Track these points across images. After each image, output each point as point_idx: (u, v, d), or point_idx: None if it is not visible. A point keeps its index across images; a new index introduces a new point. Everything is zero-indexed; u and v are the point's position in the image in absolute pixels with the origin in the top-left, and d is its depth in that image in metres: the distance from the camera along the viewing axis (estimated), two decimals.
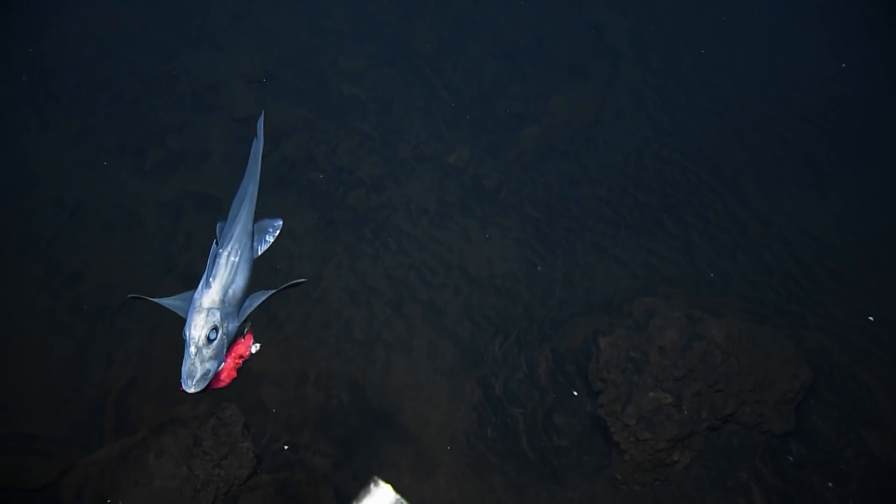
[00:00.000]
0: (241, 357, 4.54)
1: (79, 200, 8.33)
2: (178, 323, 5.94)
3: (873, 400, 7.18)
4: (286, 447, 6.72)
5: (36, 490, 6.28)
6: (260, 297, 4.76)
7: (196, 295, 4.30)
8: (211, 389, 4.30)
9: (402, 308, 7.79)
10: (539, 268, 8.19)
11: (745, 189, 9.10)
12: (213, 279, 4.27)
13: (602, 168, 9.22)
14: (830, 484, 6.62)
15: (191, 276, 7.70)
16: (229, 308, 4.37)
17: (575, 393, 7.15)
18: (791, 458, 6.78)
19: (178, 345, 6.20)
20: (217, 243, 4.54)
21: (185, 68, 9.73)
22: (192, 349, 4.11)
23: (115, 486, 5.69)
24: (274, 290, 4.79)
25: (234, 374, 4.48)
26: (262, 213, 8.24)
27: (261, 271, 7.82)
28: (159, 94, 9.44)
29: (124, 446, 6.12)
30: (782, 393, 6.88)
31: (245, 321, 4.70)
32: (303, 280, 5.11)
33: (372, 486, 4.82)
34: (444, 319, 7.73)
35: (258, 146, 5.40)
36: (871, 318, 7.80)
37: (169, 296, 4.89)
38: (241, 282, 4.52)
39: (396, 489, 6.62)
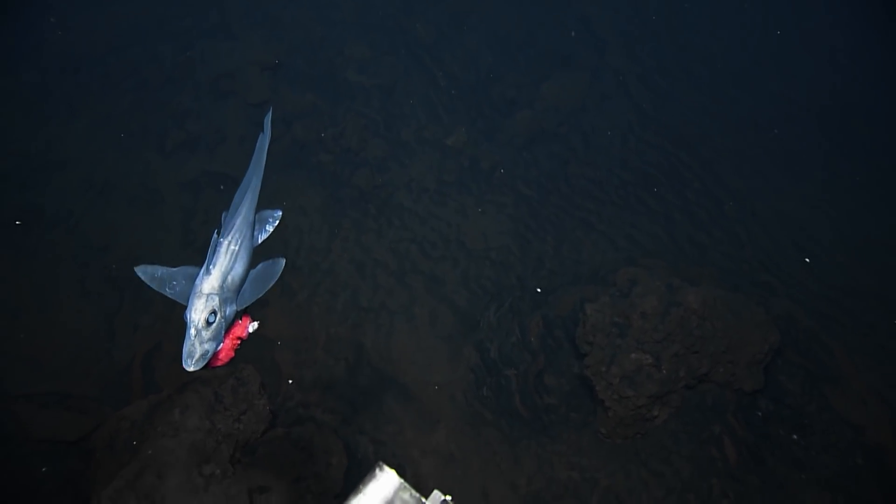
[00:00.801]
0: (238, 338, 4.59)
1: (106, 179, 8.35)
2: None
3: (835, 361, 7.32)
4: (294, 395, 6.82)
5: (72, 442, 6.39)
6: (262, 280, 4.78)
7: (197, 281, 4.34)
8: (210, 367, 4.37)
9: (404, 278, 7.87)
10: (531, 241, 8.27)
11: (722, 170, 9.18)
12: (214, 266, 4.31)
13: (589, 150, 9.28)
14: (795, 436, 6.76)
15: (206, 250, 7.77)
16: (228, 293, 4.40)
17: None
18: (760, 414, 6.91)
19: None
20: (218, 233, 4.60)
21: (203, 57, 9.72)
22: (192, 331, 4.16)
23: (144, 438, 5.79)
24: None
25: (232, 353, 4.53)
26: (274, 190, 8.37)
27: (273, 244, 7.95)
28: (179, 81, 9.44)
29: (151, 402, 6.20)
30: (753, 354, 6.99)
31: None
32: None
33: (377, 471, 4.86)
34: (444, 289, 7.81)
35: (264, 140, 5.41)
36: (806, 259, 7.94)
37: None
38: (239, 269, 4.55)
39: (400, 443, 6.75)
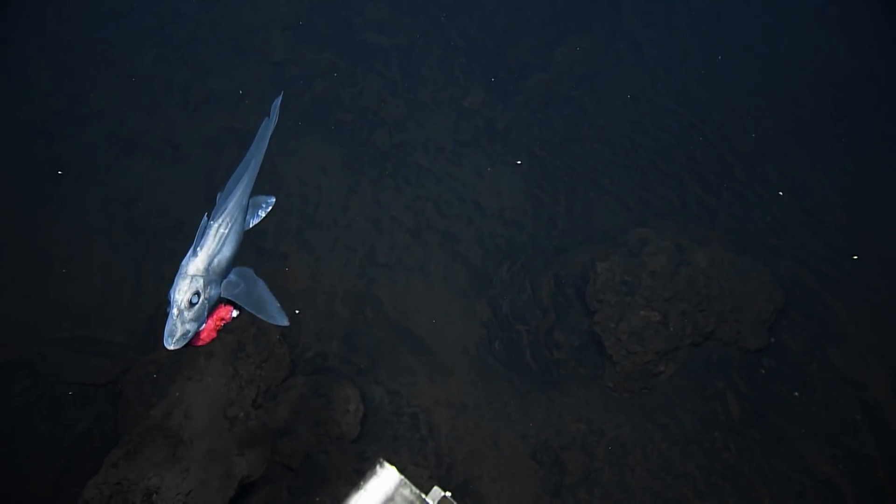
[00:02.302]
0: (221, 320, 4.60)
1: (131, 134, 8.40)
2: None
3: (837, 321, 7.36)
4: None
5: (101, 385, 6.54)
6: (255, 288, 4.74)
7: (183, 262, 4.35)
8: (191, 346, 4.41)
9: (420, 235, 7.92)
10: (543, 202, 8.28)
11: (732, 134, 9.13)
12: (201, 248, 4.30)
13: (602, 113, 9.24)
14: (796, 393, 6.84)
15: None
16: (213, 276, 4.39)
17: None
18: (763, 371, 6.98)
19: None
20: (208, 215, 4.58)
21: (225, 15, 9.67)
22: (175, 311, 4.16)
23: (170, 381, 5.91)
24: (270, 297, 4.77)
25: (214, 334, 4.53)
26: (294, 148, 8.40)
27: (295, 202, 8.00)
28: (202, 38, 9.41)
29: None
30: (758, 314, 7.05)
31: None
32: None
33: (378, 467, 4.94)
34: (458, 246, 7.86)
35: (269, 126, 5.32)
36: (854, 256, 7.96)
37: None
38: (227, 252, 4.52)
39: (414, 393, 6.86)
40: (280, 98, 5.49)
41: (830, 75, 9.94)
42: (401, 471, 6.06)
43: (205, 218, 4.52)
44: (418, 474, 6.18)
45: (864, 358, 7.16)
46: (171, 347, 4.15)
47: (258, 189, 4.70)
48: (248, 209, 4.93)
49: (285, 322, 4.60)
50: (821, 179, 8.69)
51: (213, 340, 4.60)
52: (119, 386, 6.42)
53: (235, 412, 5.86)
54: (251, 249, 7.47)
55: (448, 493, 5.02)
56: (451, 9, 10.27)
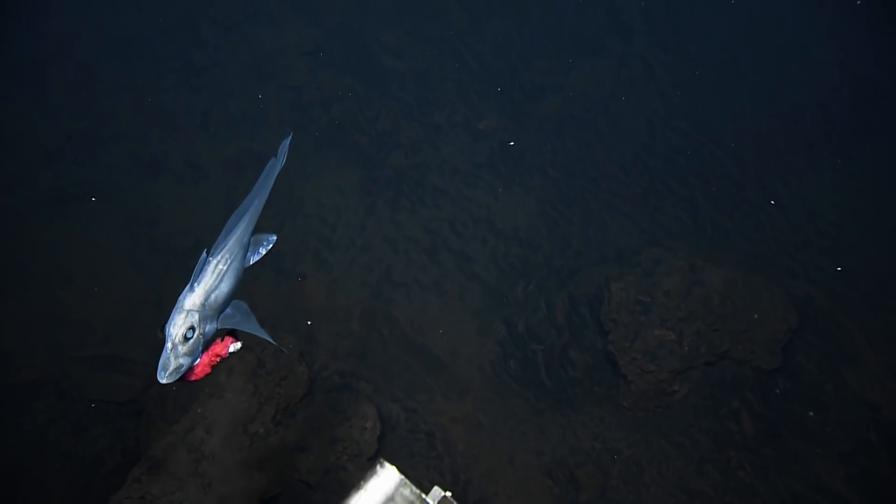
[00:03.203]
0: (217, 355, 4.66)
1: (153, 156, 8.56)
2: (256, 264, 6.27)
3: (852, 341, 7.40)
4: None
5: (123, 402, 6.65)
6: (247, 321, 4.80)
7: (180, 296, 4.42)
8: (184, 381, 4.46)
9: (436, 255, 8.02)
10: (558, 222, 8.39)
11: (744, 156, 9.22)
12: (198, 284, 4.36)
13: (616, 135, 9.36)
14: (811, 413, 6.87)
15: None
16: (209, 311, 4.45)
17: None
18: (778, 391, 7.02)
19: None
20: (208, 251, 4.65)
21: (246, 40, 9.87)
22: (169, 345, 4.23)
23: (192, 398, 6.03)
24: (259, 330, 4.83)
25: (209, 369, 4.58)
26: (312, 170, 8.55)
27: (313, 223, 8.14)
28: (222, 63, 9.59)
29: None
30: (772, 334, 7.10)
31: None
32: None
33: (378, 467, 4.95)
34: (473, 266, 7.96)
35: (275, 166, 5.33)
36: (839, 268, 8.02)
37: None
38: (225, 288, 4.57)
39: (431, 411, 6.94)
40: (289, 139, 5.54)
41: (842, 98, 10.03)
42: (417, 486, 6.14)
43: (204, 254, 4.59)
44: (435, 492, 6.23)
45: (879, 378, 7.19)
46: (164, 381, 4.21)
47: (262, 227, 4.79)
48: (248, 247, 5.02)
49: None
50: (833, 200, 8.76)
51: (206, 376, 4.67)
52: (141, 403, 6.53)
53: (255, 428, 5.96)
54: (270, 269, 7.60)
55: (448, 493, 5.01)
56: (466, 34, 10.44)
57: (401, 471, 4.97)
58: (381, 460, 4.92)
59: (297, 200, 8.26)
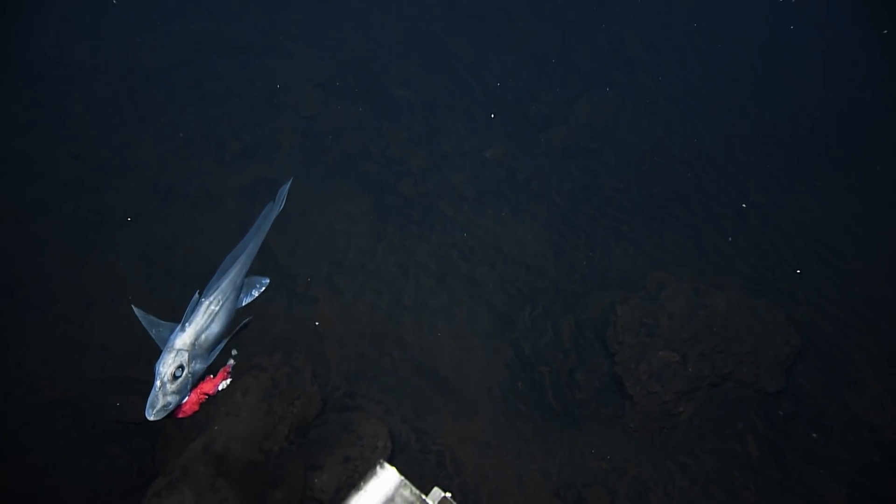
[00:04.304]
0: (205, 393, 4.79)
1: (170, 184, 8.79)
2: (270, 288, 6.49)
3: (854, 365, 7.53)
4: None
5: (140, 423, 6.77)
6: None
7: (172, 335, 4.54)
8: (173, 418, 4.55)
9: (445, 280, 8.20)
10: (564, 248, 8.57)
11: (746, 184, 9.44)
12: (189, 324, 4.50)
13: (620, 163, 9.59)
14: (814, 434, 6.98)
15: (263, 251, 8.14)
16: (199, 350, 4.59)
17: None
18: (781, 413, 7.14)
19: (252, 307, 6.71)
20: (200, 293, 4.77)
21: (259, 72, 10.19)
22: (158, 383, 4.37)
23: (209, 418, 6.17)
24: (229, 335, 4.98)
25: (197, 407, 4.70)
26: (324, 198, 8.76)
27: (325, 248, 8.32)
28: (237, 94, 9.89)
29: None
30: (775, 356, 7.23)
31: (230, 353, 4.87)
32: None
33: (378, 468, 5.03)
34: (482, 290, 8.13)
35: (273, 210, 5.46)
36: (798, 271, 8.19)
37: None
38: (215, 329, 4.69)
39: (440, 431, 7.06)
40: (288, 184, 5.69)
41: (842, 128, 10.27)
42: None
43: (196, 294, 4.74)
44: None
45: (881, 401, 7.31)
46: (152, 418, 4.33)
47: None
48: (242, 288, 5.16)
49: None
50: (835, 228, 8.94)
51: (194, 413, 4.77)
52: (159, 423, 6.66)
53: (270, 446, 6.10)
54: (284, 292, 7.79)
55: (448, 494, 5.06)
56: (474, 66, 10.75)
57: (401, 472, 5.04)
58: (382, 461, 4.99)
59: (309, 226, 8.47)
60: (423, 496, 4.92)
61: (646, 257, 8.48)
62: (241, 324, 5.28)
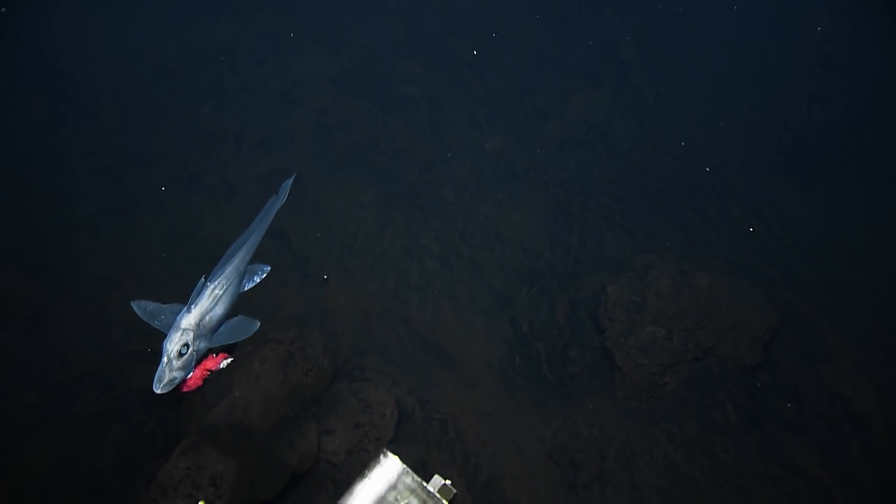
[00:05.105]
0: (208, 370, 4.97)
1: (191, 173, 8.99)
2: (283, 267, 6.67)
3: (828, 342, 7.75)
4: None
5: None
6: (239, 331, 5.01)
7: (178, 316, 4.73)
8: (179, 391, 4.75)
9: (447, 262, 8.40)
10: (559, 234, 8.78)
11: (729, 175, 9.65)
12: (195, 306, 4.68)
13: (612, 156, 9.79)
14: (789, 405, 7.20)
15: (279, 235, 8.37)
16: (203, 330, 4.76)
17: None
18: (759, 385, 7.36)
19: (268, 286, 6.92)
20: (205, 277, 4.93)
21: (275, 69, 10.39)
22: (165, 359, 4.56)
23: (230, 384, 6.39)
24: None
25: (201, 382, 4.89)
26: (336, 187, 8.96)
27: (335, 233, 8.52)
28: (254, 89, 10.10)
29: (234, 356, 6.78)
30: (754, 333, 7.45)
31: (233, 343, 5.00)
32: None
33: (381, 457, 5.12)
34: (482, 272, 8.34)
35: (275, 203, 5.61)
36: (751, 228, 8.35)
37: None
38: (219, 311, 4.86)
39: (443, 401, 7.27)
40: (291, 179, 5.84)
41: (820, 122, 10.47)
42: (431, 469, 6.48)
43: (202, 279, 4.91)
44: (448, 472, 6.56)
45: (852, 375, 7.52)
46: (159, 391, 4.52)
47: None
48: (245, 275, 5.34)
49: (257, 325, 4.95)
50: (812, 216, 9.15)
51: (198, 388, 4.94)
52: (181, 391, 6.88)
53: (286, 412, 6.33)
54: (297, 274, 8.00)
55: (448, 482, 5.14)
56: (475, 65, 10.96)
57: (403, 460, 5.14)
58: (385, 450, 5.09)
59: (321, 212, 8.68)
60: (424, 483, 4.97)
61: (635, 242, 8.69)
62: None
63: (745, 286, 7.90)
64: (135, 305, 5.14)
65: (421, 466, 6.55)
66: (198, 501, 5.51)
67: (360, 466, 6.42)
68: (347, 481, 6.32)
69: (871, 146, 10.17)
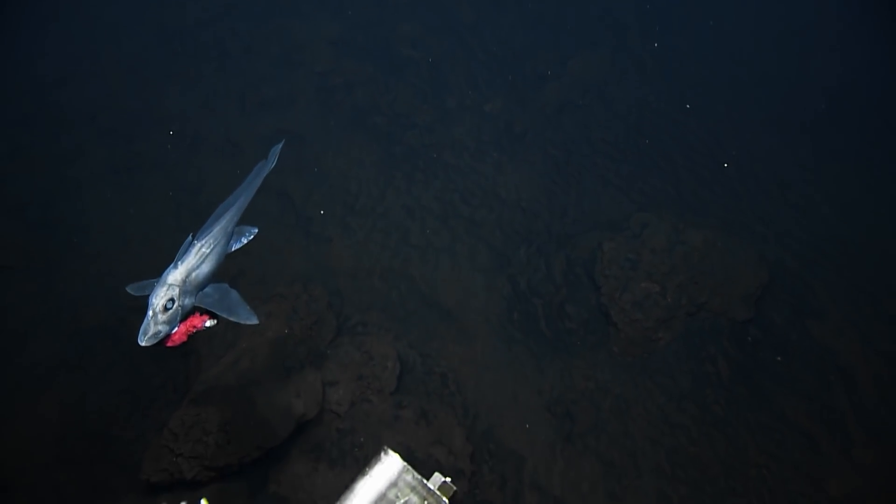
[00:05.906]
0: (193, 326, 4.96)
1: (196, 133, 8.97)
2: (287, 226, 6.64)
3: (816, 298, 7.80)
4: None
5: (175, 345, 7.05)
6: (224, 304, 5.02)
7: (165, 272, 4.75)
8: (163, 346, 4.77)
9: (448, 222, 8.41)
10: (556, 194, 8.78)
11: (724, 136, 9.61)
12: (181, 263, 4.68)
13: (609, 117, 9.75)
14: (779, 357, 7.27)
15: (281, 194, 8.36)
16: (189, 287, 4.76)
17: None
18: (750, 339, 7.41)
19: (273, 244, 6.91)
20: (193, 236, 4.94)
21: (277, 31, 10.29)
22: (150, 313, 4.57)
23: (238, 336, 6.45)
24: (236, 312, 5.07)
25: (185, 338, 4.88)
26: (337, 147, 8.93)
27: (338, 193, 8.51)
28: (256, 51, 10.02)
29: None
30: (745, 289, 7.49)
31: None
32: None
33: (382, 455, 5.11)
34: (481, 231, 8.35)
35: (264, 167, 5.60)
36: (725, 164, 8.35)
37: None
38: (206, 269, 4.85)
39: (443, 355, 7.33)
40: (280, 145, 5.81)
41: (818, 88, 10.42)
42: (432, 420, 6.56)
43: (190, 237, 4.91)
44: (448, 422, 6.65)
45: (840, 329, 7.59)
46: (143, 344, 4.54)
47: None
48: (232, 235, 5.33)
49: (255, 321, 5.00)
50: (804, 176, 9.14)
51: (183, 343, 4.94)
52: (190, 344, 6.93)
53: (292, 363, 6.39)
54: (301, 233, 8.01)
55: (448, 479, 5.11)
56: (475, 27, 10.85)
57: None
58: (386, 448, 5.09)
59: (324, 173, 8.67)
60: (424, 480, 5.00)
61: (631, 202, 8.69)
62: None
63: (738, 243, 7.93)
64: (130, 289, 5.16)
65: (422, 417, 6.62)
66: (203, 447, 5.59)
67: (362, 416, 6.53)
68: (351, 430, 6.43)
69: (868, 114, 10.13)
